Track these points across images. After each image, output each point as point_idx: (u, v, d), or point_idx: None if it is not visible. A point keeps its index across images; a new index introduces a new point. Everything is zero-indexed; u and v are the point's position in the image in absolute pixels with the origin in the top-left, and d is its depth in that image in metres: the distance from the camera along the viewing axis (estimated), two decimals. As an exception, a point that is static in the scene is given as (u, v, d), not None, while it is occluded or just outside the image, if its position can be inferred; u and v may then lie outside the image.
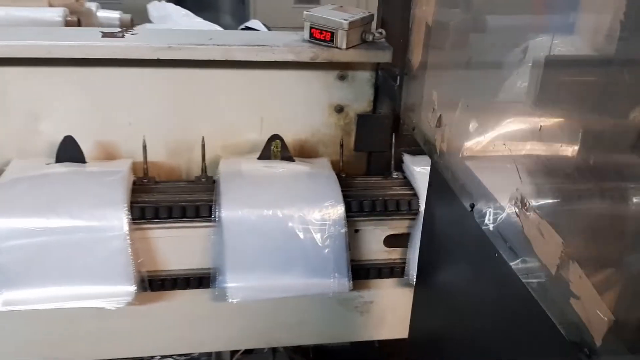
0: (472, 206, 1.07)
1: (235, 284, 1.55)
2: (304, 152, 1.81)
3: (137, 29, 1.70)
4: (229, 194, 1.54)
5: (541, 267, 0.83)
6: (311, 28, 1.55)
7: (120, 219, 1.45)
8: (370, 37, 1.57)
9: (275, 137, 1.67)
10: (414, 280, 1.66)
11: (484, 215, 1.01)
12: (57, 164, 1.56)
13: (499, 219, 0.97)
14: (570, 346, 0.76)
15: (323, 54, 1.57)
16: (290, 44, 1.58)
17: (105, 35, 1.54)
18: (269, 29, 4.37)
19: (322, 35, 1.54)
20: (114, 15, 2.90)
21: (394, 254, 1.72)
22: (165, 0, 4.87)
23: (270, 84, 1.70)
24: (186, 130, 1.72)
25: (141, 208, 1.50)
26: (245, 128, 1.75)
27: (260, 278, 1.56)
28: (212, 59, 1.55)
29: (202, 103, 1.70)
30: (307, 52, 1.56)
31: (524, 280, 0.88)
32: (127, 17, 2.93)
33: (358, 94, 1.75)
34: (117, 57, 1.52)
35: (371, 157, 1.86)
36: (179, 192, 1.58)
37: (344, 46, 1.54)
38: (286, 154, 1.68)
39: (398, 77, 1.52)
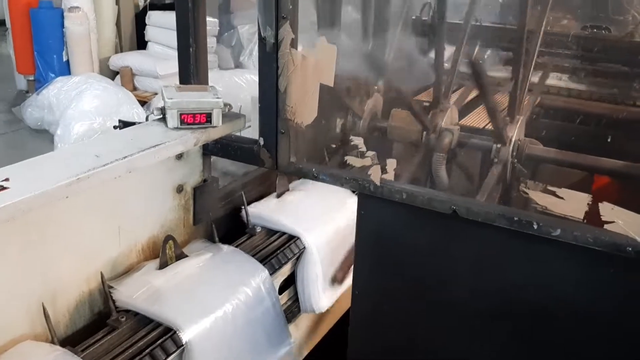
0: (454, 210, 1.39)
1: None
2: (159, 248, 1.64)
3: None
4: (175, 315, 1.35)
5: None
6: (181, 114, 1.45)
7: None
8: (227, 109, 1.57)
9: (168, 238, 1.50)
10: (315, 309, 1.82)
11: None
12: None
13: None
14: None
15: (202, 136, 1.50)
16: (173, 136, 1.44)
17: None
18: None
19: (195, 119, 1.47)
20: None
21: (284, 298, 1.82)
22: None
23: (121, 190, 1.47)
24: (45, 282, 1.33)
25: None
26: (104, 248, 1.48)
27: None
28: (117, 176, 1.28)
29: (51, 241, 1.34)
30: (191, 140, 1.46)
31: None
32: None
33: (192, 168, 1.71)
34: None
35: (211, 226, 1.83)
36: (121, 345, 1.28)
37: (220, 123, 1.52)
38: (178, 251, 1.53)
39: (262, 139, 1.58)
